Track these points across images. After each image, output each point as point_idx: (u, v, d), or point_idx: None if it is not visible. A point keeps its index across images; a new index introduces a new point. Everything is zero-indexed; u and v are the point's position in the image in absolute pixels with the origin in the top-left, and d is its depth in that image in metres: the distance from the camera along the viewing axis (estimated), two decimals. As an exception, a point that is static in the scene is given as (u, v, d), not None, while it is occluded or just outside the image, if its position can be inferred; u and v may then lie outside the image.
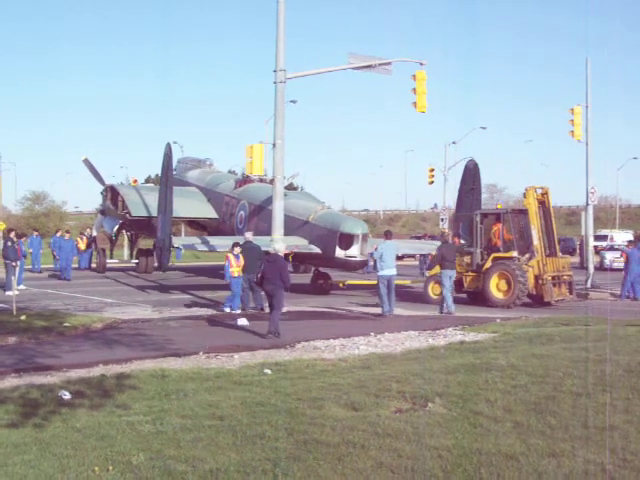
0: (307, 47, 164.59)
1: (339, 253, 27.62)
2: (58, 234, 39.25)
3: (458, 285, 25.85)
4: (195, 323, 20.45)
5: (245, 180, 35.40)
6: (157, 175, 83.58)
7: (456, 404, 9.94)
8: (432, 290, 26.23)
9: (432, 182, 60.65)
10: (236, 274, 22.35)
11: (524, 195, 26.03)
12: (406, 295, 28.67)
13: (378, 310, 22.38)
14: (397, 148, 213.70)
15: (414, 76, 26.19)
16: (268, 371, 12.66)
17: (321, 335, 17.52)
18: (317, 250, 28.34)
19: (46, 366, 13.54)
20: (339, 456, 7.78)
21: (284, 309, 22.80)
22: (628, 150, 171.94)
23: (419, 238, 54.68)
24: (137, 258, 40.86)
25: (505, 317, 21.31)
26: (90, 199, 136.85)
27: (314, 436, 8.48)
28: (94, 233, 43.66)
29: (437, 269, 25.17)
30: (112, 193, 39.16)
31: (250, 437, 8.48)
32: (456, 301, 25.00)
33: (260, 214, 32.05)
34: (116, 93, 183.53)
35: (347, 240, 27.73)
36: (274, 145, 24.52)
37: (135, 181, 43.78)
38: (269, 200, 31.54)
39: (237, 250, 22.75)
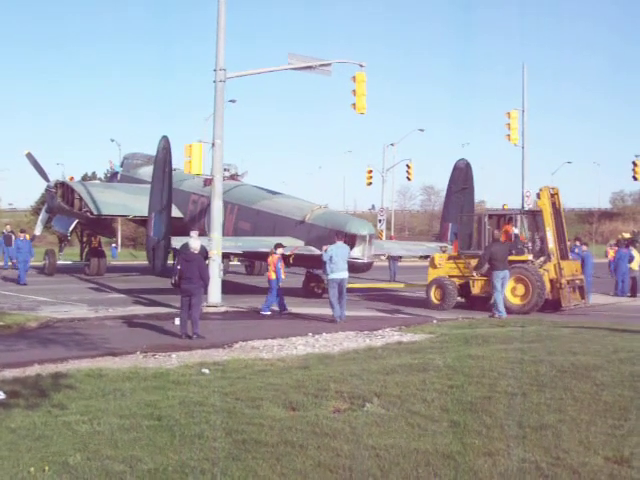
0: (248, 47, 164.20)
1: None
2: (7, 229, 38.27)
3: (465, 290, 25.02)
4: (132, 322, 20.25)
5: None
6: (94, 173, 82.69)
7: (394, 404, 10.01)
8: (434, 295, 25.08)
9: (370, 183, 61.19)
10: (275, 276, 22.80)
11: (537, 195, 24.99)
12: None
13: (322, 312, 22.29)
14: (336, 149, 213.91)
15: (354, 77, 26.27)
16: (206, 371, 12.61)
17: (259, 335, 17.50)
18: (318, 252, 26.47)
19: (-21, 366, 13.30)
20: (278, 456, 7.80)
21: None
22: (563, 154, 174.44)
23: None
24: (87, 259, 39.14)
25: (441, 318, 21.50)
26: (25, 196, 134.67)
27: (253, 436, 8.48)
28: (37, 232, 42.51)
29: (443, 270, 25.02)
30: (64, 190, 37.30)
31: (188, 437, 8.45)
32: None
33: (239, 214, 30.73)
34: (52, 90, 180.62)
35: (351, 241, 26.22)
36: (213, 144, 24.42)
37: (72, 178, 42.88)
38: (250, 199, 30.99)
39: (280, 251, 23.23)
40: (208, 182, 32.94)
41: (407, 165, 59.49)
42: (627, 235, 43.17)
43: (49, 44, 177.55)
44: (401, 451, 7.95)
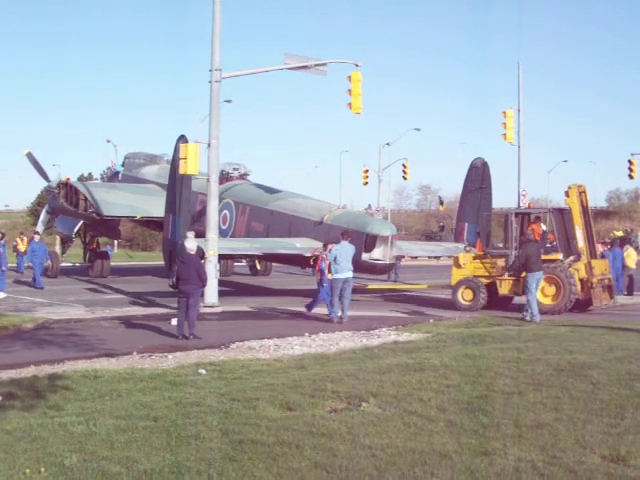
0: (244, 47, 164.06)
1: (364, 256, 25.46)
2: None
3: (490, 290, 24.32)
4: (129, 323, 20.25)
5: (226, 178, 33.05)
6: (90, 174, 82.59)
7: (390, 404, 10.01)
8: (462, 295, 24.45)
9: (366, 183, 61.12)
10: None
11: (566, 193, 24.30)
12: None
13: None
14: (332, 149, 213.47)
15: (349, 77, 26.26)
16: (202, 371, 12.60)
17: (255, 335, 17.49)
18: None
19: (-25, 367, 13.27)
20: (274, 456, 7.79)
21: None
22: (559, 153, 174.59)
23: None
24: (90, 261, 38.50)
25: (438, 317, 21.49)
26: (21, 197, 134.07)
27: (249, 436, 8.47)
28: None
29: (465, 272, 24.62)
30: (67, 191, 36.48)
31: (184, 437, 8.44)
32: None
33: (252, 214, 30.36)
34: (48, 90, 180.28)
35: (372, 242, 25.93)
36: (209, 145, 24.37)
37: (68, 179, 42.73)
38: (263, 200, 30.59)
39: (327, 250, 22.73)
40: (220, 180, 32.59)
41: (403, 165, 59.44)
42: (619, 233, 43.03)
43: (45, 43, 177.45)
44: (398, 451, 7.95)
